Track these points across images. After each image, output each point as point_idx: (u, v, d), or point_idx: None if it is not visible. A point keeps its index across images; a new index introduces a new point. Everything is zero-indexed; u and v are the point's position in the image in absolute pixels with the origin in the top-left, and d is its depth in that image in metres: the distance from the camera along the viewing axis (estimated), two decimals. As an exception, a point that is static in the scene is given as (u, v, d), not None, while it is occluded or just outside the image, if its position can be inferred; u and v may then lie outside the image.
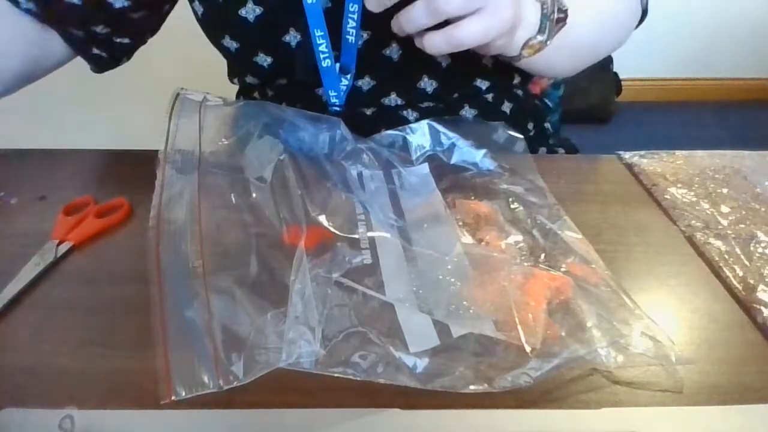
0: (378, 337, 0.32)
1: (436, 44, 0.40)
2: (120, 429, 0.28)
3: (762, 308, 0.36)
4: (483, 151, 0.51)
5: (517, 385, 0.30)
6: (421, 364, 0.31)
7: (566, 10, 0.45)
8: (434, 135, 0.51)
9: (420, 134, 0.51)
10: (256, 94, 0.63)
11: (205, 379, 0.29)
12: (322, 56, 0.50)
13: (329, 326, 0.33)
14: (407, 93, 0.55)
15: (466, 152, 0.51)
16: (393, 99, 0.55)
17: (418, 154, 0.51)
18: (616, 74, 2.02)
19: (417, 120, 0.55)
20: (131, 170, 0.50)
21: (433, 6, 0.37)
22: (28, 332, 0.34)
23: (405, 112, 0.56)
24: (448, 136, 0.51)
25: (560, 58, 0.53)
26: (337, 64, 0.52)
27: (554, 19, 0.45)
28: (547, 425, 0.29)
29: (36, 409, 0.29)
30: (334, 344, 0.32)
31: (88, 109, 1.09)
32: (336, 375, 0.30)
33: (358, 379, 0.30)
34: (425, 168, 0.50)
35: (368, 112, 0.56)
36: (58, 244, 0.40)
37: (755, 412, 0.30)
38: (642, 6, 0.56)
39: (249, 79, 0.59)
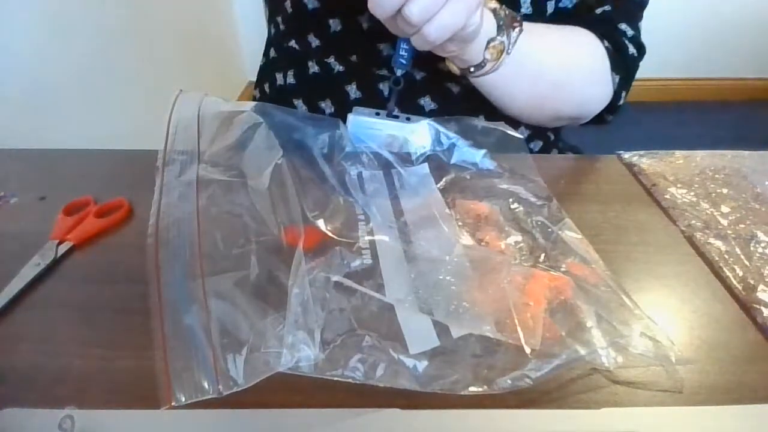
0: (378, 340, 0.32)
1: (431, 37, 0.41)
2: (120, 429, 0.28)
3: (762, 308, 0.36)
4: (483, 151, 0.51)
5: (517, 386, 0.30)
6: (421, 366, 0.31)
7: (521, 19, 0.47)
8: (434, 135, 0.51)
9: (420, 134, 0.51)
10: (293, 42, 0.60)
11: (205, 384, 0.29)
12: None
13: (328, 329, 0.33)
14: None
15: (466, 152, 0.51)
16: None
17: (418, 154, 0.51)
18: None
19: (458, 94, 0.56)
20: (131, 170, 0.50)
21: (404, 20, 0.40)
22: (28, 332, 0.34)
23: (450, 84, 0.57)
24: (448, 136, 0.51)
25: (521, 85, 0.53)
26: None
27: (510, 22, 0.47)
28: (547, 425, 0.29)
29: (36, 409, 0.29)
30: (333, 348, 0.32)
31: (88, 109, 1.09)
32: (336, 379, 0.30)
33: (358, 382, 0.30)
34: (425, 168, 0.50)
35: (418, 76, 0.56)
36: (58, 244, 0.40)
37: (755, 412, 0.30)
38: (613, 87, 0.57)
39: (309, 1, 0.57)
